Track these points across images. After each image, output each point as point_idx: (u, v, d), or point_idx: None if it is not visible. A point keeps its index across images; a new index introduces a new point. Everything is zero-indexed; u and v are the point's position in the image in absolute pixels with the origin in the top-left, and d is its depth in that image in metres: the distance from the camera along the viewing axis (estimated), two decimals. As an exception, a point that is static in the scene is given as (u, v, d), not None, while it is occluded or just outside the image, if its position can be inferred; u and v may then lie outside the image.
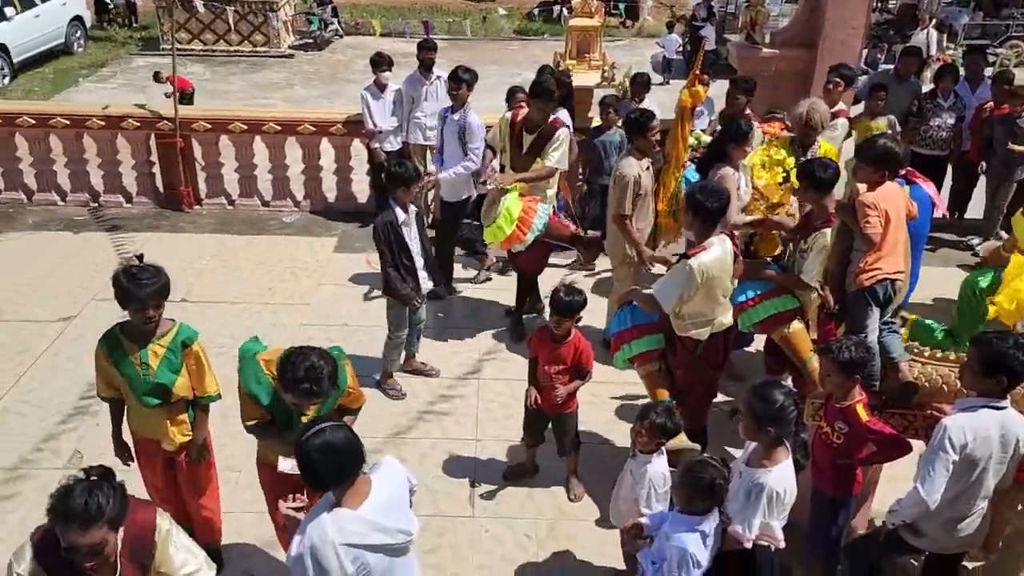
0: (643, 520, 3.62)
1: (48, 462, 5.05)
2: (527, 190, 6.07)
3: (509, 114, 6.32)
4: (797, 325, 4.97)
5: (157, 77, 11.61)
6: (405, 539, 2.90)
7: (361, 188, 8.73)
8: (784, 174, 5.61)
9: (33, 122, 8.18)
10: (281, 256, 7.68)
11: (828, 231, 4.71)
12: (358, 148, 8.53)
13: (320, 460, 2.73)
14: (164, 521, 2.95)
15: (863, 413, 3.66)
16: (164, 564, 2.92)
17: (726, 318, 4.60)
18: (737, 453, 4.17)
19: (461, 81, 6.59)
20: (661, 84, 14.77)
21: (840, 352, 3.61)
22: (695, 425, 4.68)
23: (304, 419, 3.56)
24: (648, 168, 5.78)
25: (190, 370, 3.86)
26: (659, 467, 3.83)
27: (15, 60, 14.51)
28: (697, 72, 6.15)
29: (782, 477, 3.33)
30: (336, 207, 8.65)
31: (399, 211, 5.32)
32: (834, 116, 6.53)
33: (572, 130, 6.73)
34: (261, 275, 7.30)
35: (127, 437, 4.07)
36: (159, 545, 2.90)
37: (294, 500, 3.07)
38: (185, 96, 10.65)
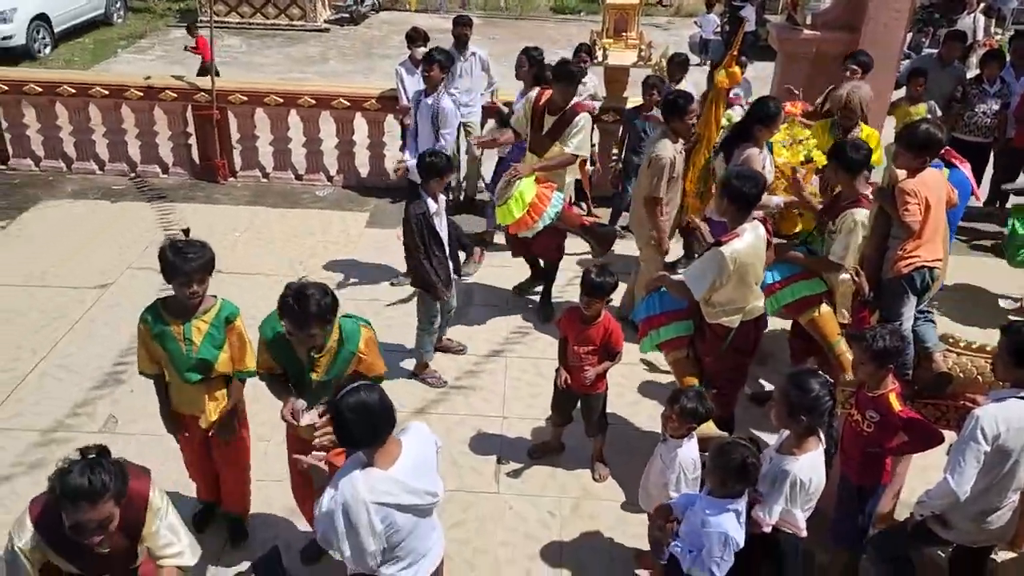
0: (670, 502, 3.61)
1: (84, 426, 5.15)
2: (545, 175, 5.99)
3: (534, 94, 6.20)
4: (825, 308, 4.92)
5: (191, 30, 11.88)
6: (432, 500, 2.96)
7: (394, 164, 8.74)
8: (806, 153, 5.57)
9: (73, 91, 8.29)
10: (313, 229, 7.73)
11: (858, 211, 4.63)
12: (392, 124, 8.55)
13: (354, 419, 2.79)
14: (157, 497, 3.01)
15: (895, 402, 3.62)
16: (149, 539, 3.00)
17: (758, 305, 4.55)
18: (767, 438, 4.15)
19: (433, 62, 6.42)
20: (698, 65, 14.55)
21: (874, 340, 3.56)
22: (724, 412, 4.66)
23: (315, 375, 3.64)
24: (681, 151, 5.75)
25: (232, 345, 3.90)
26: (689, 452, 3.82)
27: (56, 30, 14.65)
28: (735, 53, 6.07)
29: (809, 466, 3.31)
30: (368, 182, 8.69)
31: (431, 202, 5.25)
32: None
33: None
34: (294, 248, 7.36)
35: None
36: (148, 520, 2.98)
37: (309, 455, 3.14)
38: (204, 69, 10.79)
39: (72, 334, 6.03)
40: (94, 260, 7.01)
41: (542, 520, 4.63)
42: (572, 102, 6.03)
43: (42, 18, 14.23)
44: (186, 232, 3.80)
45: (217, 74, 9.07)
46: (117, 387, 5.48)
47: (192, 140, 8.63)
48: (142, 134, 8.63)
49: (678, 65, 7.53)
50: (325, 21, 17.60)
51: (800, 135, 5.68)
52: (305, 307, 3.38)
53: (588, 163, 6.74)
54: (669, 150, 5.57)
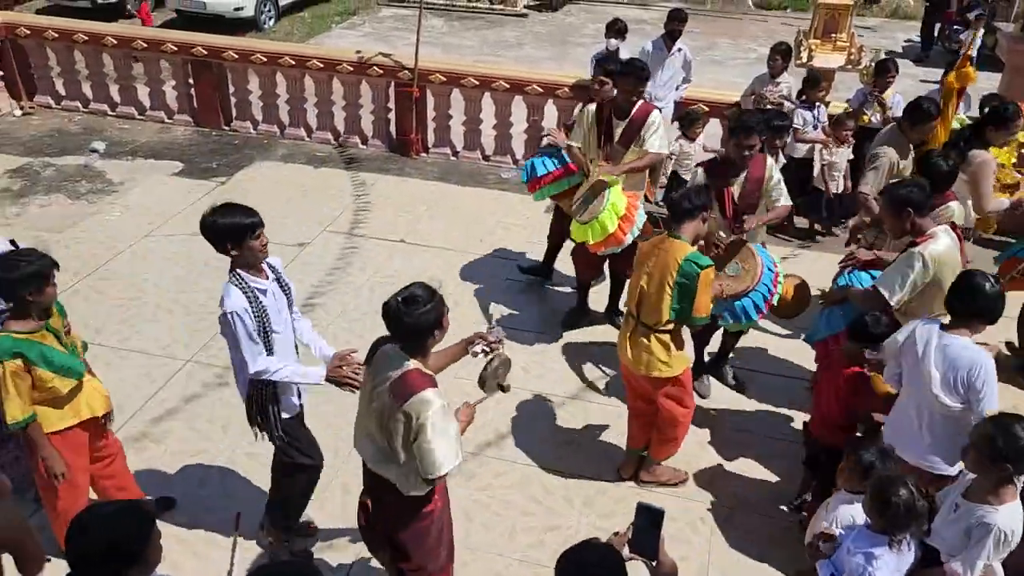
0: (836, 531, 3.47)
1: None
2: (625, 185, 5.49)
3: (592, 106, 5.70)
4: None
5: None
6: None
7: (578, 152, 8.81)
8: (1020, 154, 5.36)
9: (293, 63, 8.96)
10: (494, 210, 7.96)
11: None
12: (581, 112, 8.62)
13: None
14: None
15: None
16: None
17: None
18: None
19: None
20: (921, 79, 13.59)
21: None
22: None
23: None
24: (910, 157, 5.51)
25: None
26: (851, 510, 3.58)
27: (280, 4, 15.87)
28: (968, 53, 5.88)
29: (1012, 517, 3.06)
30: (552, 168, 8.80)
31: None
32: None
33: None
34: (474, 225, 7.62)
35: None
36: None
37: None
38: None
39: (271, 286, 6.57)
40: (295, 220, 7.59)
41: (692, 524, 4.59)
42: (638, 105, 5.53)
43: (270, -8, 15.46)
44: (14, 244, 3.83)
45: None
46: (305, 339, 5.93)
47: (391, 115, 9.11)
48: (348, 106, 9.21)
49: (884, 70, 7.11)
50: (524, 6, 17.92)
51: (1022, 137, 5.46)
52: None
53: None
54: (892, 152, 5.34)
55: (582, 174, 5.71)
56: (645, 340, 4.28)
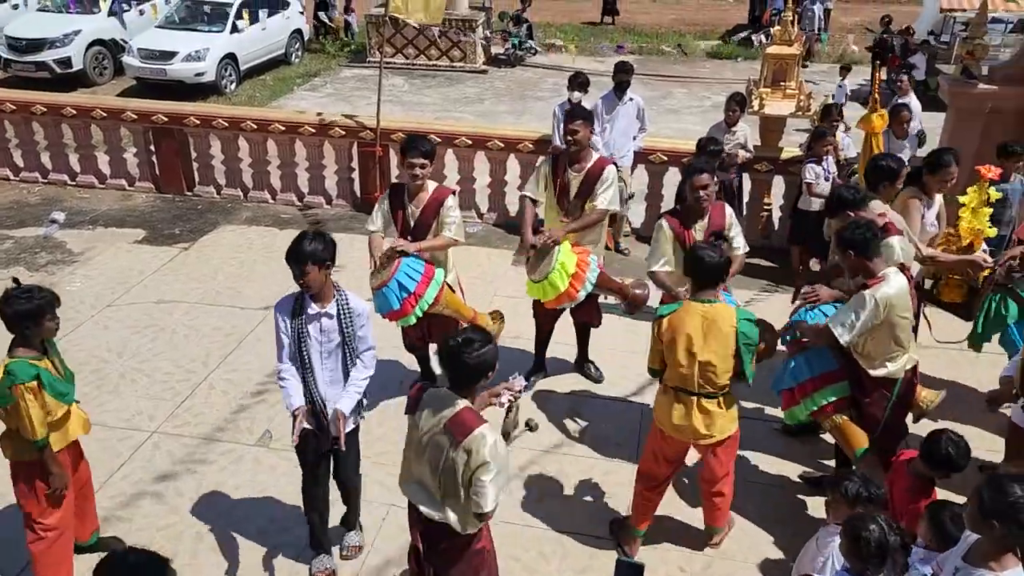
0: (812, 574, 3.46)
1: (242, 438, 5.53)
2: (577, 240, 5.51)
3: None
4: None
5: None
6: None
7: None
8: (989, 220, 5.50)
9: (255, 127, 9.02)
10: (460, 264, 7.94)
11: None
12: (543, 165, 8.75)
13: None
14: None
15: None
16: None
17: (915, 352, 4.44)
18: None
19: None
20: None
21: None
22: (887, 469, 4.51)
23: None
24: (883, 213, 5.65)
25: None
26: None
27: (242, 68, 15.99)
28: (876, 96, 6.31)
29: None
30: (517, 221, 8.90)
31: None
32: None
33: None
34: (441, 282, 7.62)
35: None
36: None
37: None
38: None
39: (239, 351, 6.50)
40: (261, 283, 7.55)
41: (670, 575, 4.55)
42: (594, 158, 5.61)
43: (231, 57, 15.57)
44: (16, 281, 3.91)
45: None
46: (276, 405, 5.84)
47: (355, 175, 9.16)
48: (311, 167, 9.25)
49: (827, 114, 7.46)
50: (483, 63, 18.25)
51: (995, 198, 5.60)
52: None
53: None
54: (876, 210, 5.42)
55: (443, 271, 5.43)
56: (716, 407, 4.21)
